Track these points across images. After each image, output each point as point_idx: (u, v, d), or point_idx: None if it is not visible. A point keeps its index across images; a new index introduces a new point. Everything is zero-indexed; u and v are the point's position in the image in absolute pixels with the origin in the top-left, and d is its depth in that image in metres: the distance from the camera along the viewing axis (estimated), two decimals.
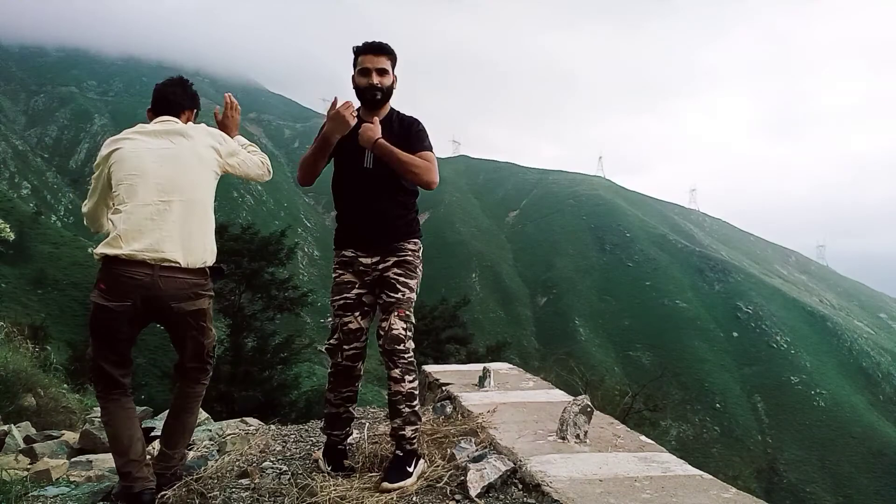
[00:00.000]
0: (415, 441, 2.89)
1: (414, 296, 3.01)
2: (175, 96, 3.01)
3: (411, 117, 3.11)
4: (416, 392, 2.89)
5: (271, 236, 19.09)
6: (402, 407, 2.86)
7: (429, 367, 5.18)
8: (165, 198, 2.70)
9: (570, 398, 3.40)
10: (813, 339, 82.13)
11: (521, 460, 2.72)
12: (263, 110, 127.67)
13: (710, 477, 2.59)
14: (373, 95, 2.96)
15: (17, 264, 51.55)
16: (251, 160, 3.11)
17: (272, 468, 3.07)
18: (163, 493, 2.72)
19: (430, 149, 3.06)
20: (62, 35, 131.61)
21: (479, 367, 4.69)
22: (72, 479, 3.23)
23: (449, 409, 3.85)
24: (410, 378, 2.88)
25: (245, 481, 2.89)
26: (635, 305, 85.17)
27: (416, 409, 2.89)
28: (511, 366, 5.32)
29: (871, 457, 63.36)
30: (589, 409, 3.07)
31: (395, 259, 3.01)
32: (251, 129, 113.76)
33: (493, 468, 2.64)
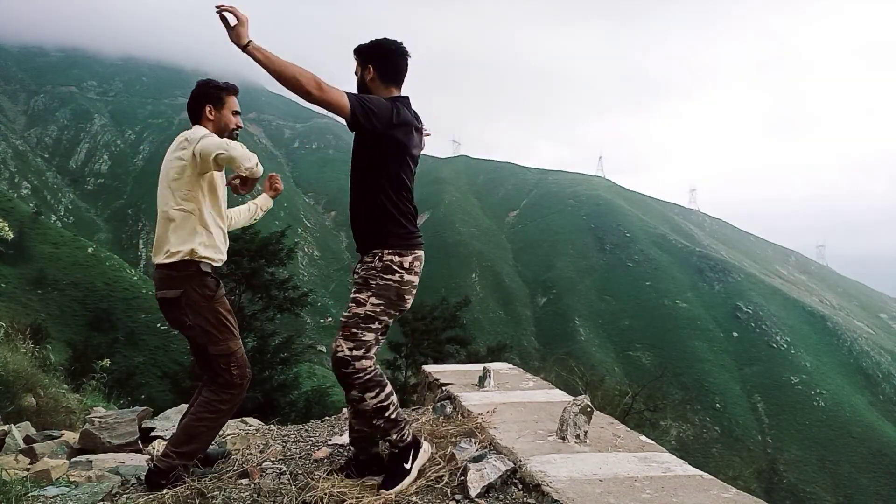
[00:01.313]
0: (405, 437, 2.78)
1: (364, 310, 2.71)
2: (189, 102, 3.21)
3: None
4: (386, 403, 2.71)
5: (271, 236, 19.08)
6: (374, 422, 2.75)
7: (429, 367, 5.18)
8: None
9: (570, 398, 3.40)
10: (813, 339, 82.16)
11: (521, 460, 2.72)
12: (263, 110, 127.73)
13: (710, 477, 2.59)
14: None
15: (17, 264, 51.56)
16: (211, 143, 2.92)
17: (272, 468, 3.07)
18: (163, 492, 2.75)
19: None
20: (62, 35, 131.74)
21: (479, 367, 4.68)
22: (72, 479, 3.23)
23: (449, 409, 3.85)
24: (372, 394, 2.69)
25: (245, 481, 2.90)
26: (635, 305, 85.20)
27: (391, 415, 2.74)
28: (511, 366, 5.32)
29: (871, 457, 63.39)
30: (589, 409, 3.07)
31: (362, 269, 2.81)
32: (251, 128, 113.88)
33: (493, 468, 2.64)
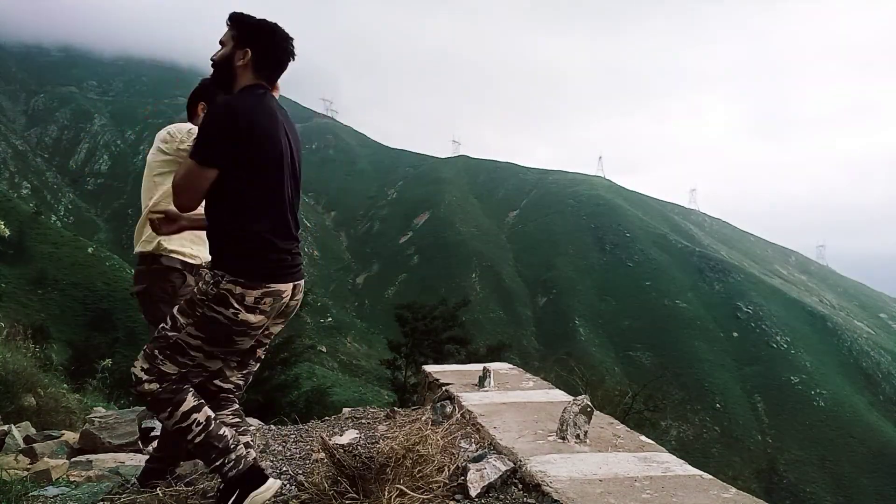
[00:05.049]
0: (228, 471, 2.31)
1: (176, 337, 2.26)
2: (188, 98, 3.20)
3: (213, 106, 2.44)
4: (185, 424, 2.28)
5: None
6: (183, 445, 2.43)
7: (429, 367, 5.18)
8: None
9: (570, 398, 3.39)
10: (813, 339, 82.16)
11: (521, 460, 2.72)
12: None
13: (710, 477, 2.59)
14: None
15: (17, 264, 51.55)
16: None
17: (272, 468, 3.07)
18: (157, 492, 2.75)
19: (192, 152, 2.23)
20: (62, 35, 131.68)
21: (479, 367, 4.68)
22: (72, 479, 3.23)
23: (449, 409, 3.84)
24: (165, 414, 2.26)
25: None
26: (635, 305, 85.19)
27: (196, 439, 2.28)
28: (511, 366, 5.31)
29: (871, 457, 63.39)
30: (589, 409, 3.07)
31: (194, 287, 2.37)
32: None
33: (493, 468, 2.64)
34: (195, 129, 2.93)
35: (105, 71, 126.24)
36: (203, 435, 2.27)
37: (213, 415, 2.34)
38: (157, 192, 2.96)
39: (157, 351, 2.25)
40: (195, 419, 2.27)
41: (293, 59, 2.46)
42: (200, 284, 2.28)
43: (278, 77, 2.45)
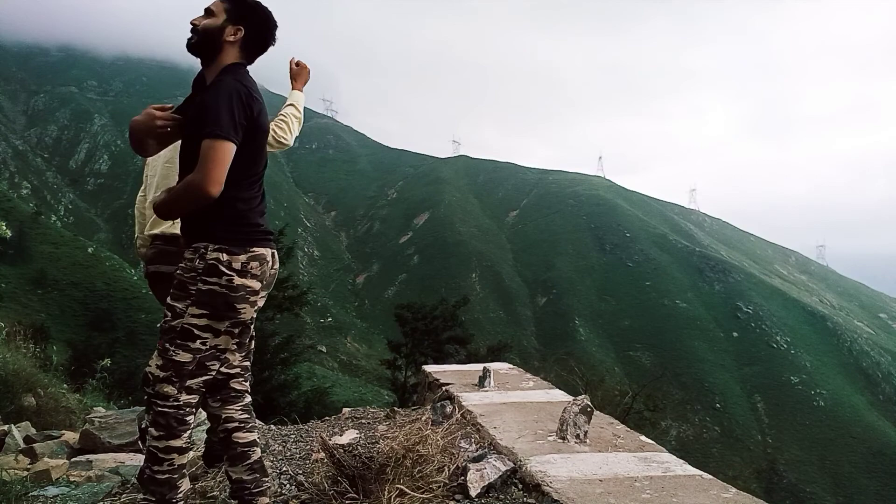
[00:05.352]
0: None
1: (180, 322, 2.22)
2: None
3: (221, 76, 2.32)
4: (162, 456, 2.20)
5: None
6: (142, 467, 2.28)
7: (429, 367, 5.18)
8: None
9: (570, 398, 3.40)
10: (813, 339, 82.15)
11: (521, 460, 2.72)
12: None
13: (710, 477, 2.59)
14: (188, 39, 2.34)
15: (17, 264, 51.54)
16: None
17: (272, 468, 3.07)
18: None
19: (215, 133, 2.16)
20: (62, 35, 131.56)
21: (479, 367, 4.68)
22: (72, 479, 3.23)
23: (449, 409, 3.84)
24: (156, 433, 2.19)
25: None
26: (635, 305, 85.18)
27: (158, 475, 2.21)
28: (511, 366, 5.32)
29: (871, 457, 63.37)
30: (589, 409, 3.07)
31: (180, 270, 2.30)
32: None
33: (493, 468, 2.64)
34: None
35: (105, 71, 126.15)
36: (166, 476, 2.21)
37: (185, 464, 2.30)
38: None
39: (167, 343, 2.21)
40: (173, 459, 2.22)
41: (273, 45, 2.48)
42: (185, 263, 2.26)
43: (257, 57, 2.45)
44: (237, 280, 2.23)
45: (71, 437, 4.21)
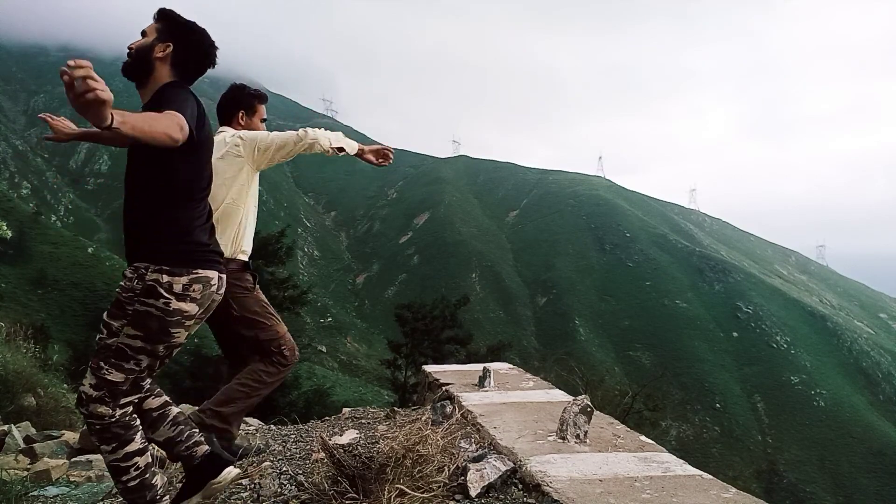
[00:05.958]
0: None
1: (115, 342, 2.16)
2: (221, 102, 3.26)
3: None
4: (125, 465, 2.20)
5: (270, 236, 19.10)
6: (115, 483, 2.28)
7: (429, 367, 5.18)
8: None
9: (570, 398, 3.40)
10: (813, 339, 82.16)
11: (521, 460, 2.72)
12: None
13: (710, 477, 2.59)
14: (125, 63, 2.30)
15: (17, 264, 51.56)
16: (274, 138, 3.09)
17: (272, 468, 3.07)
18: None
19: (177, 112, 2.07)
20: (62, 35, 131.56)
21: (479, 367, 4.68)
22: (72, 479, 3.24)
23: (449, 409, 3.84)
24: (108, 448, 2.18)
25: (245, 481, 2.89)
26: (635, 305, 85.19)
27: (130, 483, 2.21)
28: (511, 366, 5.31)
29: (871, 457, 63.38)
30: (589, 409, 3.07)
31: (119, 288, 2.23)
32: None
33: (493, 468, 2.64)
34: (253, 131, 3.10)
35: (105, 71, 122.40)
36: (138, 481, 2.21)
37: (152, 461, 2.27)
38: (232, 187, 3.00)
39: (101, 362, 2.16)
40: (136, 462, 2.20)
41: (213, 67, 2.39)
42: (124, 283, 2.20)
43: (195, 79, 2.36)
44: (174, 304, 2.17)
45: (71, 437, 4.21)
